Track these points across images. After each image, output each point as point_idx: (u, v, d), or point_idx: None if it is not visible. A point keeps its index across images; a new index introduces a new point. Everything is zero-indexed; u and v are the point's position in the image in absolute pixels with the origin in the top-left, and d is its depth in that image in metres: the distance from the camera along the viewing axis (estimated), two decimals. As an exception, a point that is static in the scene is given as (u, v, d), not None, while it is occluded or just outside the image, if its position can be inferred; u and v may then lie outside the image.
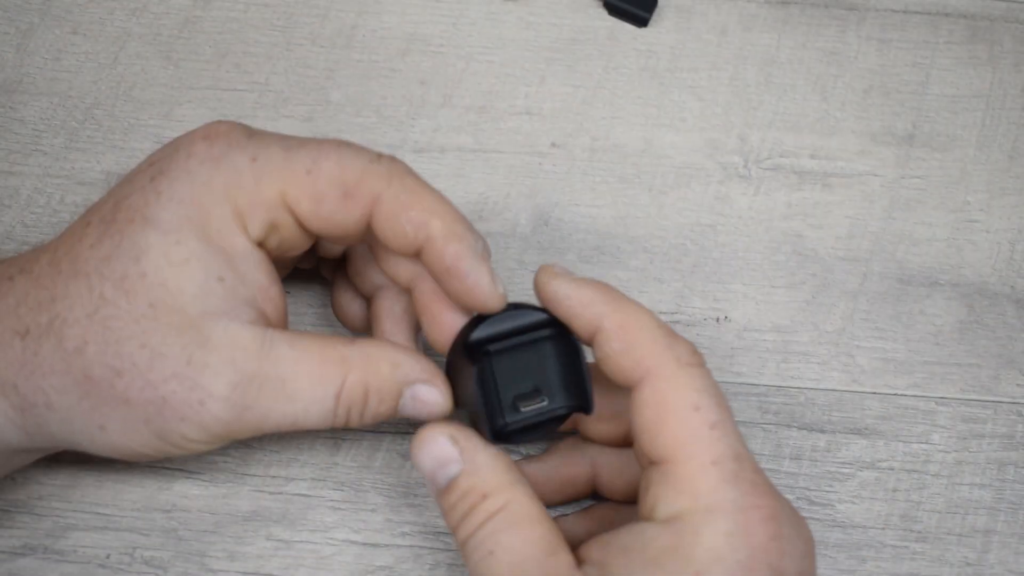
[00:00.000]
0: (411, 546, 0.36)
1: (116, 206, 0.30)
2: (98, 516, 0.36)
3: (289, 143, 0.31)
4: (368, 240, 0.32)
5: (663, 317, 0.39)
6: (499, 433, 0.31)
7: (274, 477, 0.37)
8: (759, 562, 0.27)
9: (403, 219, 0.30)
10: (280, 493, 0.37)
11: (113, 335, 0.29)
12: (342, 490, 0.37)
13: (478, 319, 0.31)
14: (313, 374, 0.30)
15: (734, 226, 0.40)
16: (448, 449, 0.30)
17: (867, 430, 0.38)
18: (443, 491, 0.30)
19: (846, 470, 0.38)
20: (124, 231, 0.29)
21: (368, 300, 0.35)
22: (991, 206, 0.41)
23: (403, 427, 0.38)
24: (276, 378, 0.29)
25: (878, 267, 0.40)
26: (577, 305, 0.30)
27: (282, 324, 0.31)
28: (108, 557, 0.36)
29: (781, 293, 0.40)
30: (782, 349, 0.39)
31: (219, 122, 0.31)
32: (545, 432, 0.32)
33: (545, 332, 0.31)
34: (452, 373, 0.32)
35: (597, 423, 0.34)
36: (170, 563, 0.36)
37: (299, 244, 0.32)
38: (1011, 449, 0.38)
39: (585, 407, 0.31)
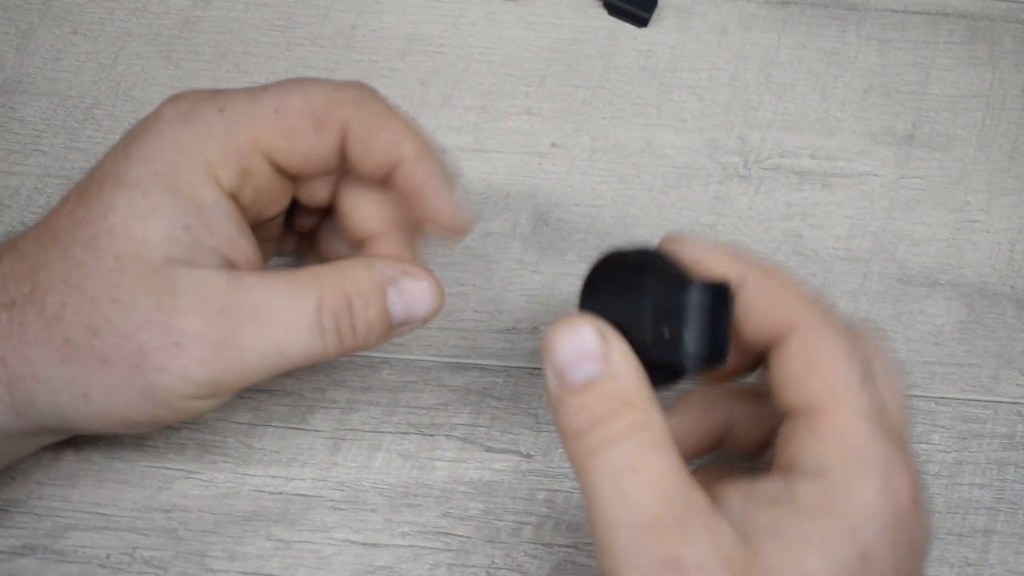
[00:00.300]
0: (411, 546, 0.36)
1: (91, 175, 0.30)
2: (98, 516, 0.36)
3: (253, 90, 0.31)
4: (342, 172, 0.32)
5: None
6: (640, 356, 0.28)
7: (274, 477, 0.37)
8: (901, 526, 0.27)
9: (374, 142, 0.30)
10: (280, 493, 0.37)
11: (87, 294, 0.28)
12: (342, 490, 0.37)
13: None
14: (287, 294, 0.29)
15: (734, 226, 0.40)
16: (594, 344, 0.27)
17: (867, 430, 0.38)
18: (573, 390, 0.27)
19: (846, 470, 0.38)
20: (96, 193, 0.29)
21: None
22: (991, 206, 0.41)
23: (403, 427, 0.38)
24: (249, 306, 0.29)
25: (878, 267, 0.40)
26: (717, 262, 0.29)
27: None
28: (108, 557, 0.36)
29: (781, 293, 0.40)
30: (782, 349, 0.39)
31: (184, 91, 0.31)
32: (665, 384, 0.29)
33: (701, 291, 0.28)
34: (598, 286, 0.29)
35: (745, 434, 0.33)
36: (170, 563, 0.36)
37: (276, 195, 0.32)
38: (1011, 449, 0.38)
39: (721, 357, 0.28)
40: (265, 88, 0.31)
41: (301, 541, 0.36)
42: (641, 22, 0.43)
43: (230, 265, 0.30)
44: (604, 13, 0.43)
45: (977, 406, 0.39)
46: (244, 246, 0.30)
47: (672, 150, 0.42)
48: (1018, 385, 0.39)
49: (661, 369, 0.28)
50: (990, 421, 0.38)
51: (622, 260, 0.29)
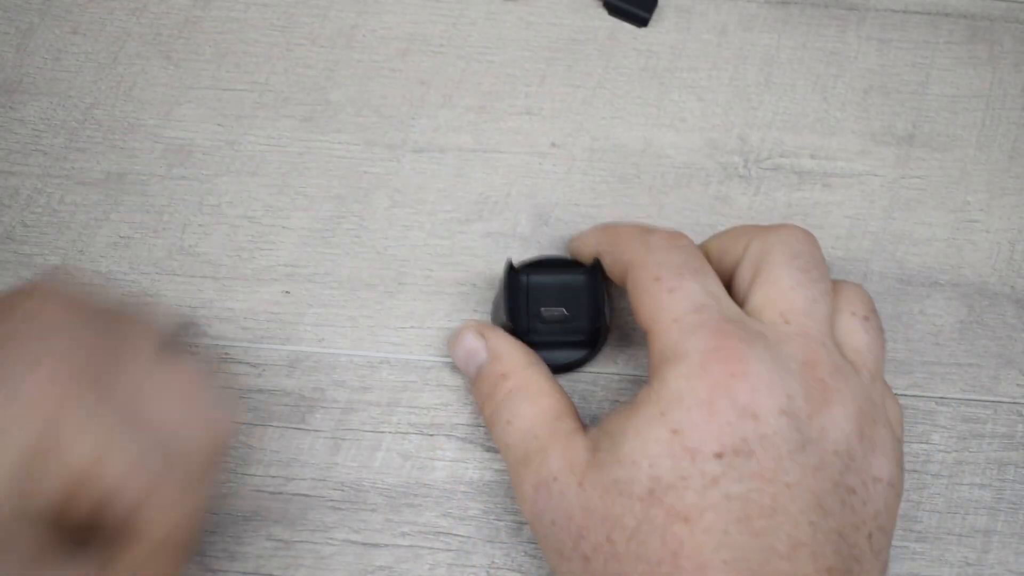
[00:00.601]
0: (411, 546, 0.36)
1: None
2: (98, 516, 0.36)
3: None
4: None
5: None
6: (520, 337, 0.36)
7: (274, 477, 0.37)
8: (718, 398, 0.29)
9: None
10: (280, 493, 0.37)
11: None
12: (342, 490, 0.37)
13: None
14: None
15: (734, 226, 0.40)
16: (475, 341, 0.35)
17: (867, 430, 0.38)
18: (474, 380, 0.35)
19: (846, 470, 0.38)
20: None
21: None
22: (991, 206, 0.41)
23: (403, 427, 0.38)
24: None
25: (878, 267, 0.40)
26: (583, 246, 0.37)
27: None
28: None
29: (781, 293, 0.40)
30: (782, 349, 0.39)
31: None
32: (559, 364, 0.37)
33: (579, 274, 0.37)
34: (499, 300, 0.37)
35: None
36: (170, 563, 0.36)
37: None
38: (1011, 449, 0.38)
39: (598, 322, 0.36)
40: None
41: (301, 541, 0.36)
42: (641, 22, 0.43)
43: None
44: (604, 13, 0.43)
45: (977, 406, 0.39)
46: None
47: (672, 150, 0.42)
48: (1018, 385, 0.39)
49: (552, 345, 0.37)
50: (990, 421, 0.38)
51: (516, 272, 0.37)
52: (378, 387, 0.38)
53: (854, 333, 0.33)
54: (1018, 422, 0.38)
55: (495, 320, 0.38)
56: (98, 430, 0.28)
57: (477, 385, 0.35)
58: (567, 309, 0.36)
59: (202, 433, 0.31)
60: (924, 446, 0.38)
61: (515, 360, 0.35)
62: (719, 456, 0.29)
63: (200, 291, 0.39)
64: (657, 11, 0.43)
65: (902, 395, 0.39)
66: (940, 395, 0.39)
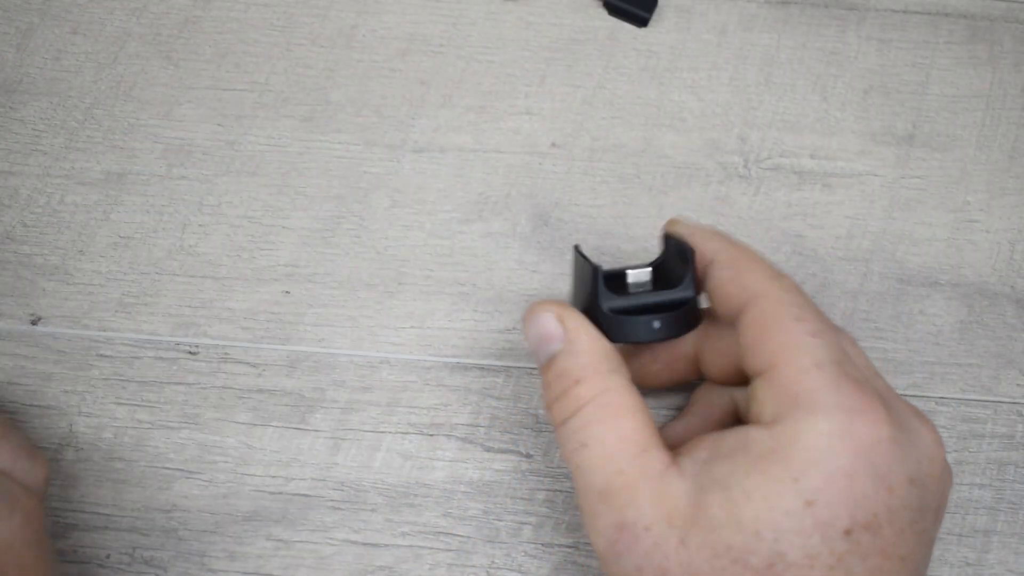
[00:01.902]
0: (411, 546, 0.36)
1: None
2: (98, 516, 0.36)
3: None
4: None
5: (663, 317, 0.39)
6: (601, 314, 0.31)
7: (274, 477, 0.37)
8: (862, 467, 0.27)
9: None
10: (280, 493, 0.37)
11: None
12: (342, 490, 0.37)
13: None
14: None
15: (734, 226, 0.40)
16: (552, 326, 0.31)
17: (867, 430, 0.38)
18: (544, 367, 0.31)
19: (846, 470, 0.38)
20: None
21: None
22: (991, 206, 0.41)
23: (403, 427, 0.38)
24: None
25: (878, 267, 0.40)
26: (696, 239, 0.32)
27: None
28: (108, 557, 0.36)
29: (781, 293, 0.40)
30: (782, 349, 0.39)
31: None
32: (663, 313, 0.31)
33: (658, 257, 0.33)
34: (576, 285, 0.33)
35: (714, 363, 0.34)
36: (170, 563, 0.36)
37: None
38: (1011, 449, 0.38)
39: (686, 253, 0.31)
40: None
41: (301, 541, 0.36)
42: (641, 22, 0.43)
43: None
44: (604, 13, 0.43)
45: (977, 406, 0.39)
46: None
47: (672, 150, 0.42)
48: (1018, 385, 0.39)
49: (635, 318, 0.31)
50: (990, 421, 0.38)
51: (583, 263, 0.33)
52: (378, 387, 0.38)
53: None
54: (1018, 422, 0.38)
55: (575, 304, 0.33)
56: None
57: (546, 378, 0.31)
58: (653, 275, 0.32)
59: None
60: (924, 446, 0.38)
61: (595, 362, 0.30)
62: (848, 533, 0.27)
63: (200, 291, 0.39)
64: (657, 11, 0.43)
65: (902, 395, 0.38)
66: (940, 395, 0.39)
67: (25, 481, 0.32)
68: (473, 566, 0.36)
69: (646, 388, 0.35)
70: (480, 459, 0.37)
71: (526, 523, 0.37)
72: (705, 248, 0.32)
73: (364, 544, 0.36)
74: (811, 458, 0.27)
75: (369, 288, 0.39)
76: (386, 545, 0.36)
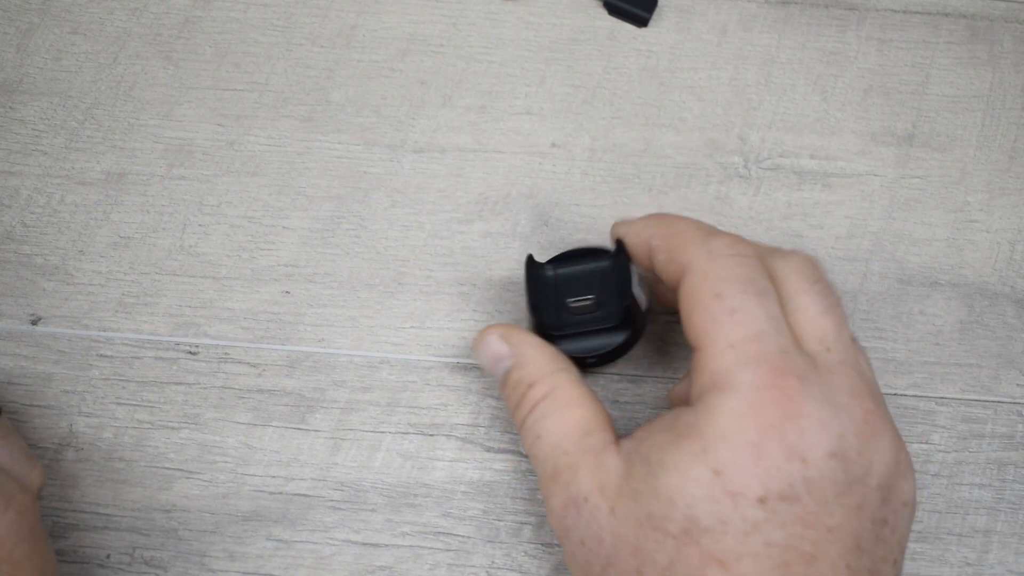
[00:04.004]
0: (411, 546, 0.36)
1: None
2: (98, 516, 0.36)
3: None
4: None
5: (664, 317, 0.39)
6: (549, 333, 0.35)
7: (274, 477, 0.37)
8: (769, 440, 0.28)
9: None
10: (280, 493, 0.37)
11: None
12: (342, 490, 0.37)
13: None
14: None
15: (734, 226, 0.40)
16: (499, 346, 0.34)
17: (867, 430, 0.38)
18: (502, 386, 0.34)
19: (846, 470, 0.38)
20: None
21: None
22: (991, 206, 0.41)
23: (403, 427, 0.38)
24: None
25: (878, 267, 0.40)
26: (633, 234, 0.34)
27: None
28: (108, 557, 0.36)
29: (781, 293, 0.40)
30: (782, 349, 0.39)
31: None
32: (591, 357, 0.35)
33: (604, 260, 0.35)
34: (528, 297, 0.36)
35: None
36: (170, 563, 0.36)
37: None
38: (1011, 449, 0.38)
39: (626, 301, 0.34)
40: None
41: (301, 541, 0.36)
42: (641, 22, 0.43)
43: None
44: (604, 13, 0.43)
45: (977, 406, 0.39)
46: None
47: (672, 150, 0.42)
48: (1018, 385, 0.39)
49: (581, 335, 0.35)
50: (990, 421, 0.38)
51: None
52: (378, 387, 0.38)
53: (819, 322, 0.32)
54: (1018, 422, 0.38)
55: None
56: None
57: (505, 393, 0.34)
58: (596, 296, 0.35)
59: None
60: (924, 446, 0.38)
61: (541, 366, 0.33)
62: (762, 501, 0.28)
63: (200, 291, 0.39)
64: (657, 11, 0.43)
65: (902, 395, 0.39)
66: (940, 395, 0.39)
67: (22, 481, 0.32)
68: (473, 566, 0.36)
69: (668, 308, 0.38)
70: (480, 459, 0.37)
71: (526, 523, 0.37)
72: (645, 235, 0.34)
73: (364, 544, 0.36)
74: (719, 433, 0.28)
75: (369, 288, 0.39)
76: (386, 545, 0.36)
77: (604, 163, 0.41)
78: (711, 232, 0.32)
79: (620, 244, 0.35)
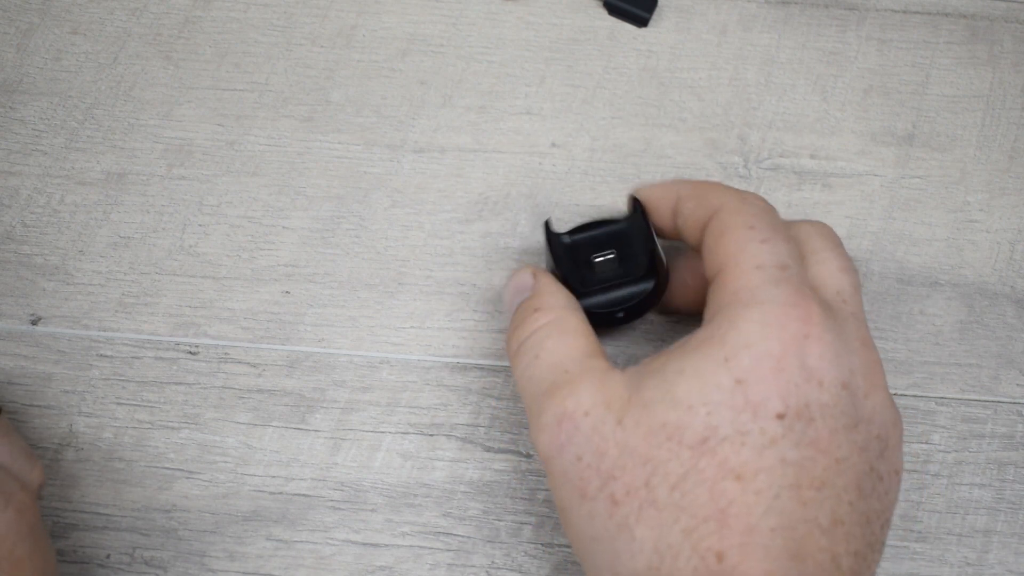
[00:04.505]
0: (411, 546, 0.36)
1: None
2: (98, 516, 0.36)
3: None
4: None
5: (663, 317, 0.39)
6: (575, 290, 0.34)
7: (274, 477, 0.37)
8: (790, 355, 0.28)
9: None
10: (280, 493, 0.37)
11: None
12: (342, 490, 0.37)
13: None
14: None
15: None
16: (527, 279, 0.34)
17: (867, 430, 0.38)
18: (512, 311, 0.34)
19: (846, 470, 0.38)
20: None
21: None
22: (991, 206, 0.41)
23: (403, 427, 0.38)
24: None
25: (878, 267, 0.40)
26: (658, 189, 0.35)
27: None
28: (108, 557, 0.36)
29: (781, 293, 0.40)
30: (782, 349, 0.39)
31: None
32: (619, 310, 0.34)
33: (621, 222, 0.35)
34: (549, 261, 0.36)
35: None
36: (170, 563, 0.36)
37: None
38: (1011, 449, 0.38)
39: (651, 245, 0.34)
40: None
41: (301, 541, 0.36)
42: (641, 22, 0.43)
43: None
44: (604, 13, 0.43)
45: (977, 406, 0.39)
46: None
47: (672, 150, 0.42)
48: (1018, 385, 0.39)
49: (611, 292, 0.35)
50: (990, 421, 0.38)
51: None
52: (378, 387, 0.38)
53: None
54: (1018, 422, 0.38)
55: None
56: None
57: (513, 319, 0.33)
58: (617, 252, 0.35)
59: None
60: (924, 446, 0.38)
61: (554, 299, 0.33)
62: (781, 417, 0.28)
63: (200, 291, 0.39)
64: (657, 11, 0.43)
65: (902, 395, 0.39)
66: (940, 395, 0.39)
67: (22, 480, 0.32)
68: (473, 566, 0.36)
69: (682, 313, 0.38)
70: (480, 459, 0.37)
71: (526, 523, 0.37)
72: (670, 192, 0.34)
73: (364, 544, 0.36)
74: (742, 342, 0.28)
75: (369, 288, 0.39)
76: (386, 545, 0.36)
77: (604, 163, 0.41)
78: (746, 191, 0.33)
79: (636, 201, 0.35)
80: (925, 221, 0.41)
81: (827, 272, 0.32)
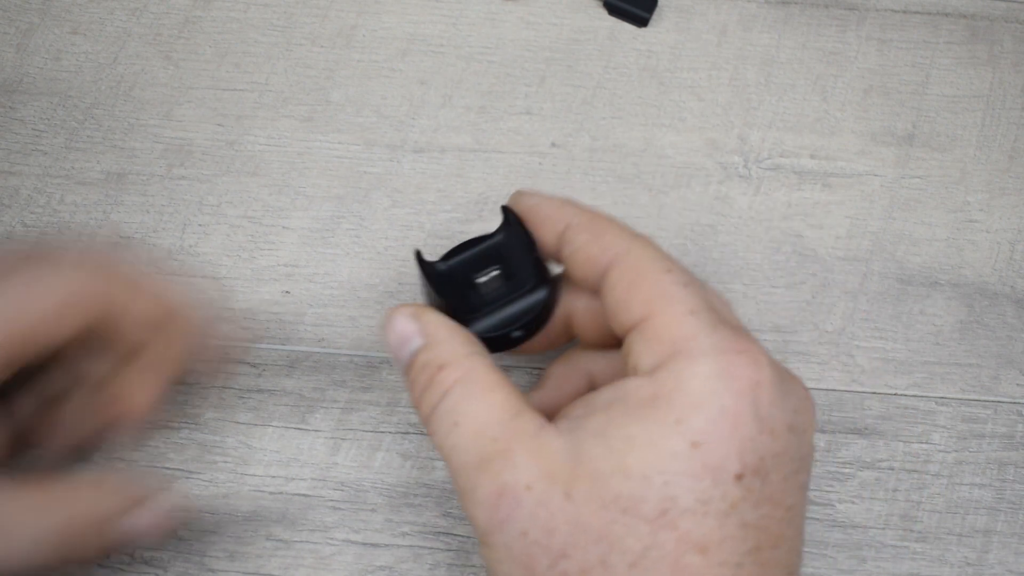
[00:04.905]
0: (411, 546, 0.36)
1: None
2: (98, 516, 0.36)
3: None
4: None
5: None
6: (462, 318, 0.31)
7: (274, 477, 0.37)
8: (744, 408, 0.27)
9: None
10: (280, 493, 0.37)
11: None
12: (342, 490, 0.37)
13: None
14: (33, 515, 0.30)
15: (734, 226, 0.40)
16: (409, 325, 0.30)
17: (867, 430, 0.38)
18: (407, 367, 0.30)
19: (846, 470, 0.38)
20: None
21: None
22: (991, 206, 0.41)
23: (403, 427, 0.38)
24: None
25: (878, 267, 0.40)
26: (547, 208, 0.32)
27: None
28: (108, 557, 0.36)
29: (781, 293, 0.40)
30: (782, 349, 0.39)
31: None
32: (516, 328, 0.32)
33: (495, 236, 0.32)
34: (428, 292, 0.33)
35: (586, 325, 0.33)
36: (170, 563, 0.36)
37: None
38: (1011, 449, 0.38)
39: (534, 252, 0.32)
40: (11, 281, 0.30)
41: (301, 541, 0.36)
42: (641, 22, 0.43)
43: None
44: (604, 13, 0.43)
45: (977, 406, 0.39)
46: None
47: (672, 150, 0.42)
48: (1018, 385, 0.39)
49: (496, 315, 0.32)
50: (990, 421, 0.38)
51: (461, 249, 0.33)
52: (378, 387, 0.38)
53: None
54: (1018, 422, 0.38)
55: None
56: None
57: (411, 376, 0.30)
58: (501, 268, 0.32)
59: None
60: (924, 446, 0.38)
61: (455, 347, 0.30)
62: (739, 477, 0.26)
63: (200, 291, 0.39)
64: (657, 11, 0.43)
65: (902, 395, 0.39)
66: (940, 395, 0.39)
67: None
68: (473, 566, 0.36)
69: (525, 355, 0.36)
70: (480, 459, 0.37)
71: (526, 523, 0.37)
72: (558, 215, 0.31)
73: (364, 544, 0.36)
74: (694, 400, 0.26)
75: (369, 288, 0.39)
76: (386, 545, 0.36)
77: (604, 163, 0.41)
78: (638, 232, 0.31)
79: (507, 211, 0.32)
80: (925, 221, 0.41)
81: (720, 304, 0.30)
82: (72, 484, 0.31)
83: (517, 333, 0.32)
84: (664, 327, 0.28)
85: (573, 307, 0.33)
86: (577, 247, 0.31)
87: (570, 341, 0.35)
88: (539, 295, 0.32)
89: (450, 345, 0.30)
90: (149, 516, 0.32)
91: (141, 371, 0.33)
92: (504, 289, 0.32)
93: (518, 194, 0.33)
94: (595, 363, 0.33)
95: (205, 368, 0.36)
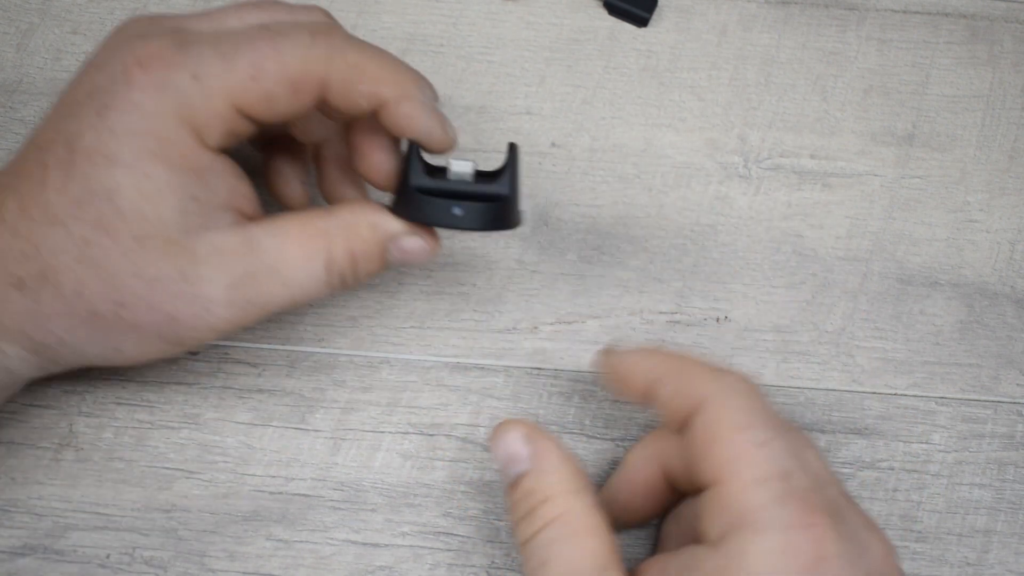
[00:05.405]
0: (411, 546, 0.36)
1: (70, 147, 0.30)
2: (98, 516, 0.36)
3: (223, 47, 0.31)
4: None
5: (663, 317, 0.39)
6: (407, 191, 0.32)
7: (274, 477, 0.37)
8: None
9: (355, 95, 0.31)
10: (280, 493, 0.37)
11: (106, 272, 0.30)
12: (342, 490, 0.37)
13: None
14: (300, 256, 0.32)
15: (734, 226, 0.40)
16: (520, 447, 0.31)
17: (867, 430, 0.38)
18: (510, 486, 0.31)
19: (846, 470, 0.38)
20: (89, 173, 0.30)
21: (302, 169, 0.37)
22: (991, 206, 0.41)
23: (403, 427, 0.38)
24: (268, 269, 0.31)
25: (878, 267, 0.40)
26: (634, 363, 0.32)
27: (258, 212, 0.33)
28: (108, 557, 0.36)
29: (781, 293, 0.40)
30: (782, 349, 0.39)
31: (143, 34, 0.31)
32: (467, 200, 0.32)
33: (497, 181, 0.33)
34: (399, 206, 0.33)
35: (680, 471, 0.33)
36: (170, 563, 0.36)
37: (257, 132, 0.33)
38: (1011, 449, 0.38)
39: (502, 196, 0.32)
40: (236, 46, 0.31)
41: (301, 541, 0.36)
42: (641, 22, 0.43)
43: (239, 214, 0.32)
44: (604, 13, 0.43)
45: (977, 406, 0.39)
46: (244, 190, 0.32)
47: (672, 150, 0.42)
48: (1018, 385, 0.39)
49: (452, 194, 0.32)
50: (990, 421, 0.38)
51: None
52: (378, 387, 0.38)
53: None
54: (1018, 422, 0.38)
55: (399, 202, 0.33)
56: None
57: (513, 499, 0.31)
58: (478, 174, 0.32)
59: None
60: (924, 446, 0.38)
61: (561, 480, 0.30)
62: None
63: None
64: (657, 11, 0.43)
65: (902, 395, 0.39)
66: (940, 395, 0.39)
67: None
68: (473, 566, 0.36)
69: (634, 526, 0.36)
70: (480, 459, 0.37)
71: (526, 523, 0.37)
72: (647, 367, 0.32)
73: (364, 544, 0.36)
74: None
75: (369, 288, 0.39)
76: (386, 545, 0.36)
77: (604, 163, 0.41)
78: (722, 368, 0.31)
79: (512, 146, 0.33)
80: (925, 221, 0.41)
81: (810, 455, 0.30)
82: (325, 223, 0.32)
83: (456, 211, 0.32)
84: (731, 496, 0.28)
85: (670, 457, 0.33)
86: (667, 398, 0.31)
87: (675, 498, 0.34)
88: (501, 188, 0.32)
89: (556, 476, 0.30)
90: (417, 239, 0.33)
91: (374, 130, 0.33)
92: (471, 179, 0.32)
93: (606, 354, 0.34)
94: (670, 455, 0.33)
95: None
